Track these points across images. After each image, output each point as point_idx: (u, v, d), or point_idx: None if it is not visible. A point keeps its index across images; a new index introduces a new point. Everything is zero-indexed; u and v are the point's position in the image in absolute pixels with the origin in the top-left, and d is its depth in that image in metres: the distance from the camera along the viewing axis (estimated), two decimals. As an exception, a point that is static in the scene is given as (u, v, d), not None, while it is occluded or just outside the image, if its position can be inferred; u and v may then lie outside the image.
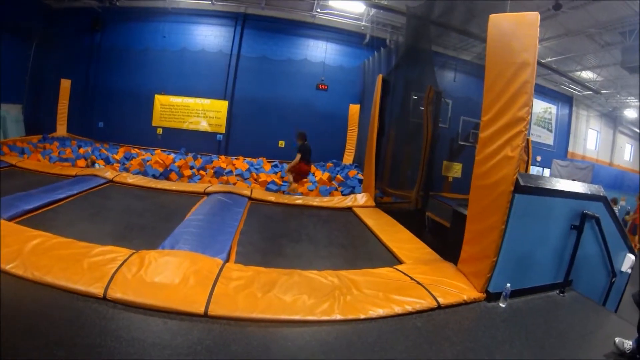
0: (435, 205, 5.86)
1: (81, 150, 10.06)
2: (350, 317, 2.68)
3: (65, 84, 12.83)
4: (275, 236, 4.63)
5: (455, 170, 8.11)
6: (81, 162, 8.52)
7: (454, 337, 2.68)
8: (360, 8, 12.77)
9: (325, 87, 13.80)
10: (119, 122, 13.54)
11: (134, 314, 2.44)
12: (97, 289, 2.55)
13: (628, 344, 2.43)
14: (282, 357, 2.24)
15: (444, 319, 2.87)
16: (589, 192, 3.59)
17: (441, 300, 3.01)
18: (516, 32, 3.16)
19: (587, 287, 3.62)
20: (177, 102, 13.68)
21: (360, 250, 4.55)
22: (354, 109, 13.21)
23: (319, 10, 13.09)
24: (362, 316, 2.71)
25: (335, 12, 13.25)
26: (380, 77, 7.09)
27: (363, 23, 13.32)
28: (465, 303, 3.11)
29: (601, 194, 3.64)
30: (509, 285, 3.11)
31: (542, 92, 16.14)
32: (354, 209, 6.26)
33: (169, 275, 2.85)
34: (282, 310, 2.64)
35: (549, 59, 13.50)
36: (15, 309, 2.31)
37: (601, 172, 14.01)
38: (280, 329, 2.50)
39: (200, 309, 2.51)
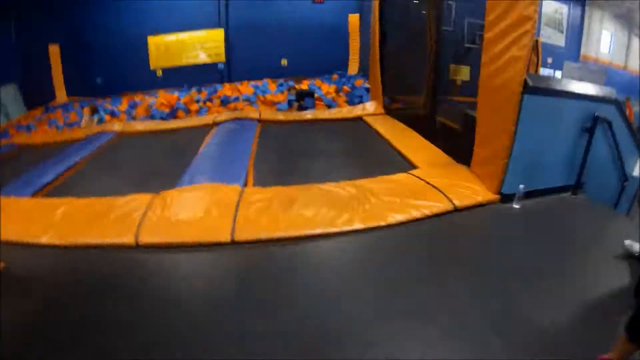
0: (445, 109, 5.68)
1: (85, 110, 9.97)
2: (370, 224, 2.75)
3: (54, 49, 12.37)
4: (289, 154, 4.65)
5: (463, 73, 7.73)
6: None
7: (470, 237, 2.76)
8: None
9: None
10: (117, 73, 13.20)
11: (166, 254, 2.54)
12: (128, 239, 2.62)
13: (637, 246, 2.42)
14: (308, 271, 2.35)
15: (461, 221, 2.94)
16: (601, 95, 3.41)
17: (457, 203, 3.05)
18: None
19: (598, 191, 3.54)
20: (172, 40, 13.20)
21: (375, 158, 4.53)
22: (354, 18, 12.73)
23: None
24: (382, 223, 2.78)
25: None
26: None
27: None
28: (480, 205, 3.13)
29: (613, 97, 3.44)
30: (522, 186, 3.10)
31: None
32: (364, 117, 6.15)
33: (192, 211, 2.94)
34: (304, 226, 2.72)
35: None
36: (56, 276, 2.37)
37: (615, 77, 12.92)
38: (304, 243, 2.60)
39: (227, 237, 2.61)
